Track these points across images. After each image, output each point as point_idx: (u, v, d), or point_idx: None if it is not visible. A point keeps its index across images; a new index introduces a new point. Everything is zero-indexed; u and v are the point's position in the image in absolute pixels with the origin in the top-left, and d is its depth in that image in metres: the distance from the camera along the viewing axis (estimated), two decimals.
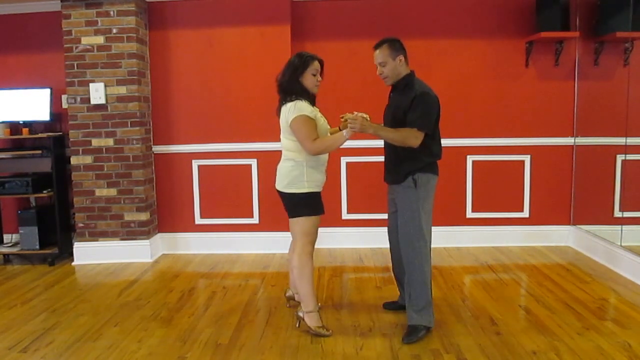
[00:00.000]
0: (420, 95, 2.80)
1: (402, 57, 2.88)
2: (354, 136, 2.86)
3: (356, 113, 2.81)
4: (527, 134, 4.56)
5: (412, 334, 2.81)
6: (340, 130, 3.03)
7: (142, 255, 4.44)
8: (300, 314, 2.95)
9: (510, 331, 2.88)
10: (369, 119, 2.85)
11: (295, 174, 2.87)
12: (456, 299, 3.39)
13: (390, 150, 2.99)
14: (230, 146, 4.59)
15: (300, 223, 2.90)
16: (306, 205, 2.89)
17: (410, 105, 2.80)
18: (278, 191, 2.98)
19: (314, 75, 2.87)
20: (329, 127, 3.03)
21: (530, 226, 4.64)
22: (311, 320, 2.90)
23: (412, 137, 2.77)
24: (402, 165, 2.88)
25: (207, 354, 2.71)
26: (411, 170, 2.85)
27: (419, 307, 2.82)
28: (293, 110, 2.80)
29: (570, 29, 4.36)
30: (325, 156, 2.97)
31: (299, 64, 2.85)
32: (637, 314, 3.07)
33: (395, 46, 2.88)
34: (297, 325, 3.00)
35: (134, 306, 3.42)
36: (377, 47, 2.93)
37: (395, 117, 2.89)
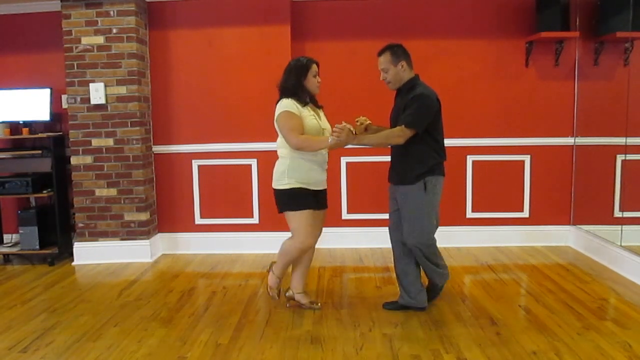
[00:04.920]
0: (416, 96, 2.91)
1: (403, 63, 2.99)
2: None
3: (344, 123, 2.87)
4: (527, 134, 4.56)
5: (391, 303, 3.19)
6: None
7: (142, 255, 4.44)
8: (289, 294, 3.28)
9: (510, 331, 2.88)
10: (368, 121, 3.07)
11: (280, 170, 3.05)
12: (456, 299, 3.39)
13: (397, 151, 3.07)
14: (230, 146, 4.59)
15: (289, 219, 3.07)
16: (288, 201, 3.03)
17: (407, 105, 2.94)
18: None
19: (315, 77, 3.05)
20: (328, 126, 3.10)
21: (530, 226, 4.64)
22: (271, 280, 3.25)
23: (395, 136, 2.90)
24: (411, 166, 2.98)
25: (207, 354, 2.71)
26: (422, 172, 2.96)
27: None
28: (278, 108, 3.01)
29: (570, 29, 4.36)
30: (320, 156, 3.05)
31: (302, 68, 3.03)
32: (637, 314, 3.07)
33: (397, 53, 2.99)
34: (287, 305, 3.27)
35: (134, 306, 3.42)
36: (380, 54, 3.05)
37: (399, 119, 2.97)
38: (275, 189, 3.07)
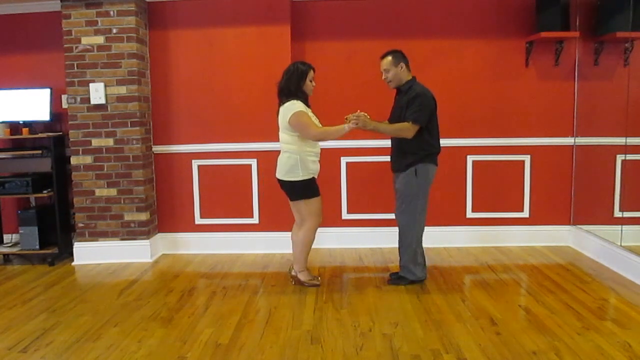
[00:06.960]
0: (416, 95, 3.41)
1: (402, 65, 3.48)
2: (356, 133, 3.47)
3: (359, 112, 3.36)
4: (527, 134, 4.56)
5: (397, 280, 3.65)
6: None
7: (142, 255, 4.44)
8: (294, 273, 3.67)
9: (510, 331, 2.88)
10: (368, 117, 3.39)
11: (291, 164, 3.45)
12: (456, 299, 3.39)
13: (394, 144, 3.61)
14: (230, 146, 4.59)
15: (307, 205, 3.50)
16: (305, 190, 3.49)
17: (409, 103, 3.41)
18: (278, 179, 3.54)
19: (311, 81, 3.52)
20: (320, 125, 3.52)
21: (530, 226, 4.64)
22: (304, 277, 3.64)
23: (405, 130, 3.39)
24: (404, 157, 3.48)
25: (207, 354, 2.71)
26: (413, 161, 3.45)
27: (407, 266, 3.60)
28: (291, 108, 3.39)
29: (570, 29, 4.36)
30: (318, 149, 3.55)
31: (302, 74, 3.46)
32: (637, 314, 3.08)
33: (397, 56, 3.49)
34: (293, 283, 3.67)
35: (134, 306, 3.42)
36: (382, 57, 3.53)
37: (400, 115, 3.47)
38: (287, 181, 3.48)
